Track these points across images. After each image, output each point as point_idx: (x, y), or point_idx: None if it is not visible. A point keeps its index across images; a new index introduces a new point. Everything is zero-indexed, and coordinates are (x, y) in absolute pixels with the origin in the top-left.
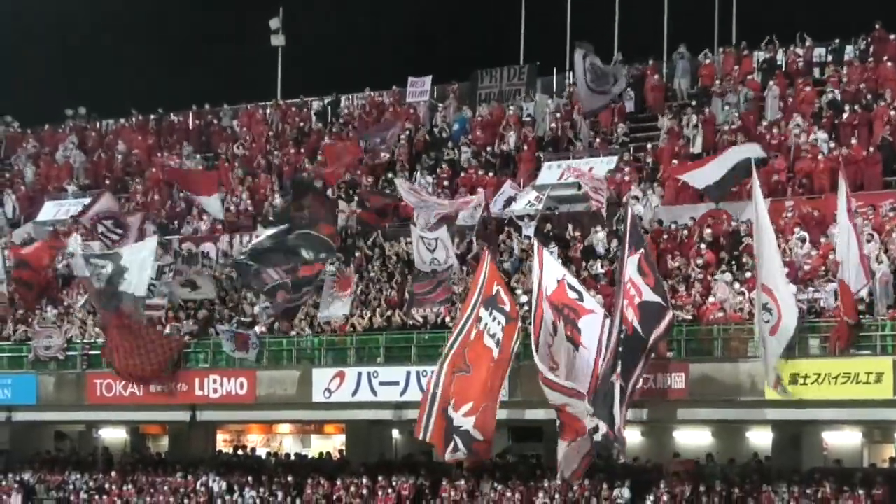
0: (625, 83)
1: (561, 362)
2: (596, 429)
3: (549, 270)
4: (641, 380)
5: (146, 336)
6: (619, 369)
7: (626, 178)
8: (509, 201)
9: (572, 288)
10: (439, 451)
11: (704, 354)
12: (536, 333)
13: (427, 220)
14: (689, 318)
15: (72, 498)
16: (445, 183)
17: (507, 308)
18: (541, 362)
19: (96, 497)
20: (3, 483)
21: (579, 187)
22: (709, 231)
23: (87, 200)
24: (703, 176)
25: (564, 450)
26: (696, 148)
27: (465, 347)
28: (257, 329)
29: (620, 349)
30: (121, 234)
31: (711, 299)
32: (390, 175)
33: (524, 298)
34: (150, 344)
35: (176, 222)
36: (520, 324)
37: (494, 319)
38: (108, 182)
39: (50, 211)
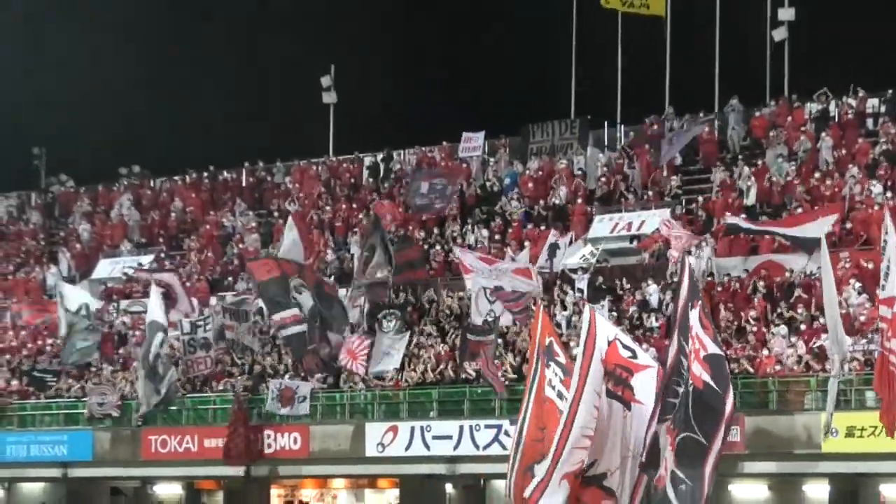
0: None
1: (597, 429)
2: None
3: (602, 333)
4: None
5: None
6: (671, 424)
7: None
8: (553, 250)
9: (625, 347)
10: None
11: (760, 407)
12: (576, 404)
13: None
14: (749, 370)
15: None
16: (497, 237)
17: (563, 360)
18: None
19: None
20: None
21: (631, 240)
22: (762, 283)
23: (142, 258)
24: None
25: None
26: (750, 200)
27: (539, 404)
28: (310, 384)
29: (690, 406)
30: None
31: (766, 352)
32: (438, 230)
33: (576, 351)
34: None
35: (230, 279)
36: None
37: (555, 373)
38: (161, 240)
39: (105, 269)
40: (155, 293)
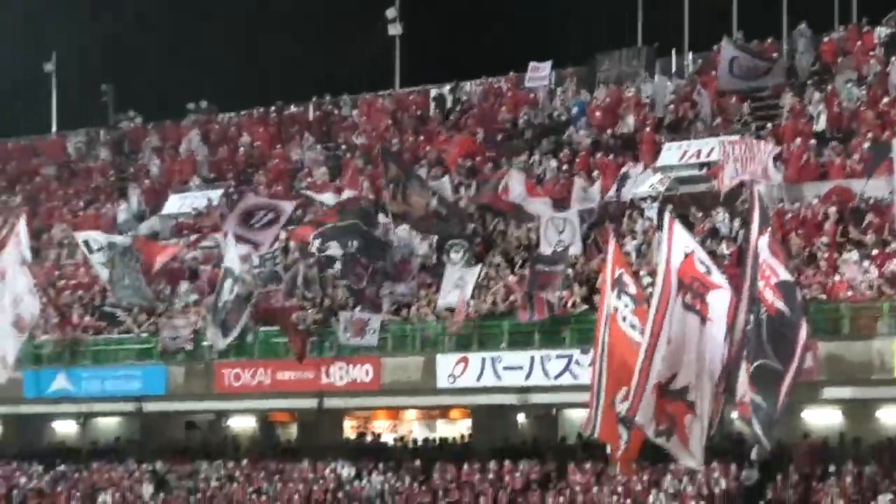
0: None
1: (673, 339)
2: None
3: (678, 244)
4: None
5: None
6: (746, 353)
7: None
8: (623, 180)
9: (701, 262)
10: (613, 447)
11: (832, 333)
12: (661, 312)
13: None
14: (822, 296)
15: (202, 486)
16: (565, 167)
17: (633, 291)
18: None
19: (227, 485)
20: (136, 473)
21: (700, 168)
22: (833, 209)
23: (210, 193)
24: None
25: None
26: (820, 126)
27: (614, 336)
28: (380, 316)
29: (764, 333)
30: (272, 220)
31: (837, 277)
32: (506, 161)
33: (647, 280)
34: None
35: (299, 211)
36: (646, 306)
37: (626, 305)
38: (230, 175)
39: (174, 204)
40: (231, 239)
